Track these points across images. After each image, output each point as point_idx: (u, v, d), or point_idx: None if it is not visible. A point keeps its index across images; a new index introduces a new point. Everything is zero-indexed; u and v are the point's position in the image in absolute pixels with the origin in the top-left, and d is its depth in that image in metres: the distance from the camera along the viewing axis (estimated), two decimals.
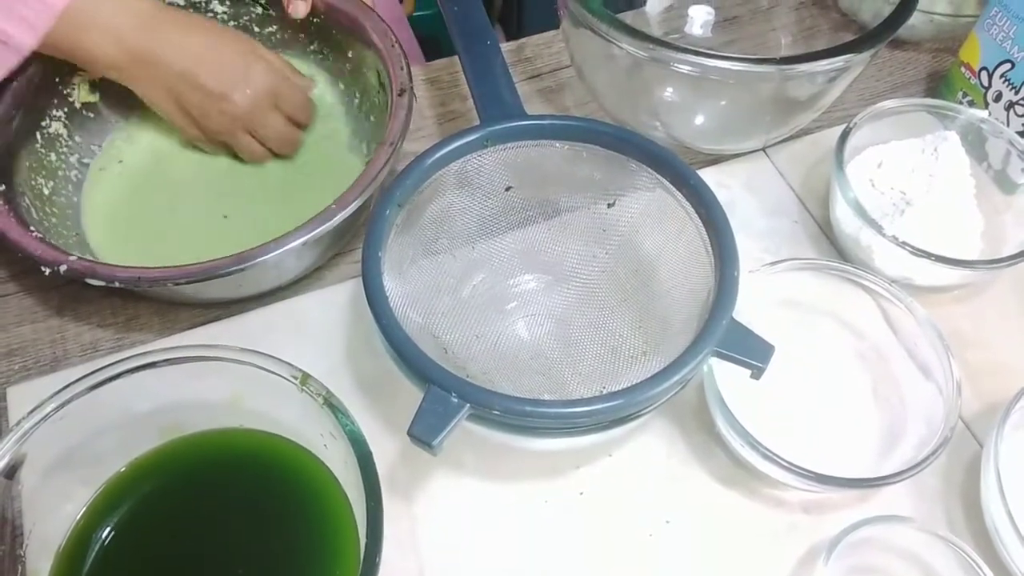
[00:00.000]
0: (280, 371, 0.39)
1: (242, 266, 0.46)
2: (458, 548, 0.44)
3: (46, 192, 0.53)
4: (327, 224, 0.47)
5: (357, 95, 0.61)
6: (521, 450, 0.47)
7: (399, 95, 0.53)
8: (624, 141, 0.46)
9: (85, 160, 0.57)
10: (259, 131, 0.56)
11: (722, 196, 0.44)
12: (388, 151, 0.50)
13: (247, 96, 0.54)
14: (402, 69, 0.55)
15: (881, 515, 0.42)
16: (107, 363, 0.39)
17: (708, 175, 0.45)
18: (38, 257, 0.46)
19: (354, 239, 0.56)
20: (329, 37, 0.61)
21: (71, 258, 0.46)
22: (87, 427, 0.40)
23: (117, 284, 0.46)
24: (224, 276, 0.46)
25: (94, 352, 0.51)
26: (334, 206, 0.47)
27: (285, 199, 0.57)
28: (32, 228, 0.48)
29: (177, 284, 0.46)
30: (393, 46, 0.56)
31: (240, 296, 0.52)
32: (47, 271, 0.46)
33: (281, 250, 0.46)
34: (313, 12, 0.58)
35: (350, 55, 0.60)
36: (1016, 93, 0.57)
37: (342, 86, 0.62)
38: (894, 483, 0.41)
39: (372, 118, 0.59)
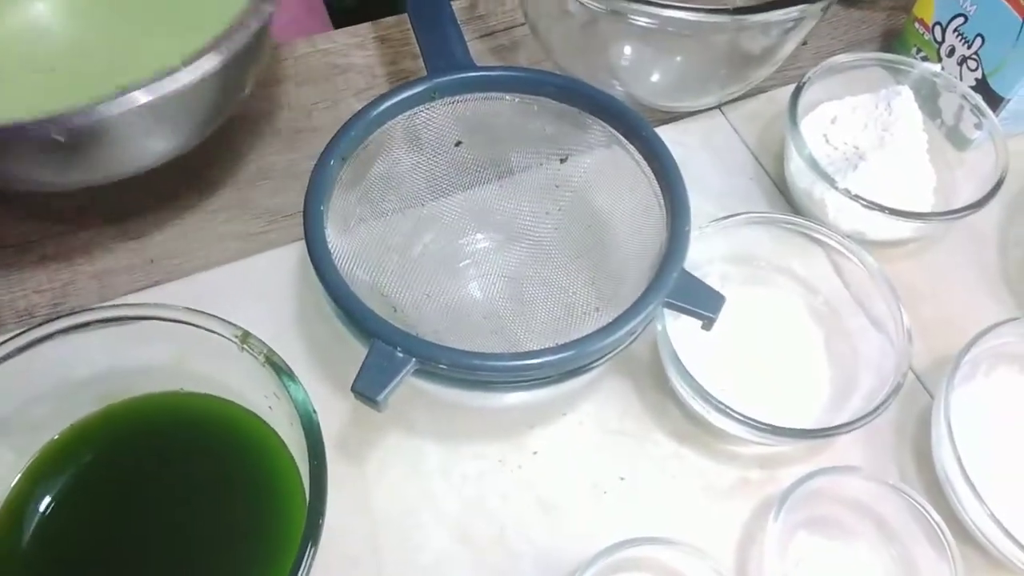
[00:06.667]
0: (220, 330, 0.38)
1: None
2: (412, 509, 0.43)
3: None
4: (174, 86, 0.38)
5: None
6: (474, 410, 0.46)
7: None
8: (575, 92, 0.45)
9: None
10: None
11: (678, 154, 0.43)
12: None
13: None
14: None
15: (831, 466, 0.42)
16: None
17: (664, 133, 0.44)
18: None
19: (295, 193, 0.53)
20: None
21: None
22: (20, 393, 0.39)
23: None
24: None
25: (30, 319, 0.49)
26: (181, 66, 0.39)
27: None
28: None
29: None
30: None
31: (104, 177, 0.45)
32: None
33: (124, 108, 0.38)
34: None
35: None
36: (969, 47, 0.57)
37: None
38: (845, 433, 0.41)
39: None
